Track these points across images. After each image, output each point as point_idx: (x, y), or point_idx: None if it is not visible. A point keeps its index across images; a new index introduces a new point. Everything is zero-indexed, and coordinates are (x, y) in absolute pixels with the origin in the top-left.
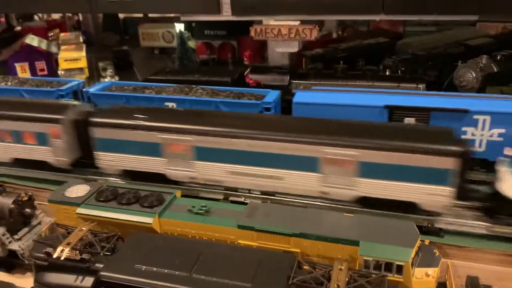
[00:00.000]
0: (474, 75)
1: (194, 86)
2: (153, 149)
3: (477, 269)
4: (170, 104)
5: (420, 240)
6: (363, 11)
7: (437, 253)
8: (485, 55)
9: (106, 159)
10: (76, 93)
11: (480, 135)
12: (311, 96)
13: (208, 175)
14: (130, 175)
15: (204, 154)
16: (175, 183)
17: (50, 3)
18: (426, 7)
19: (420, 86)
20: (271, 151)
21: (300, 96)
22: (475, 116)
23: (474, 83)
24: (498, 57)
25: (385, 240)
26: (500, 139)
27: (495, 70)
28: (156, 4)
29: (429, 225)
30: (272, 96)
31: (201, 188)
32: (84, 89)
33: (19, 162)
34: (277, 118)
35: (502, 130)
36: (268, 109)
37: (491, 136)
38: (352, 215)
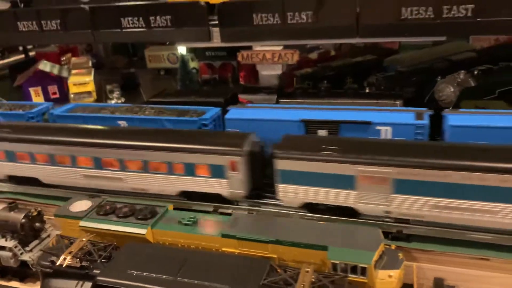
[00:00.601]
0: (452, 90)
1: (144, 105)
2: (343, 182)
3: (444, 271)
4: (122, 123)
5: (386, 245)
6: (339, 35)
7: (401, 257)
8: (463, 71)
9: (288, 192)
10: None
11: None
12: (241, 112)
13: (406, 210)
14: (312, 208)
15: (405, 187)
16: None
17: (58, 36)
18: (397, 30)
19: (397, 102)
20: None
21: (232, 113)
22: (377, 127)
23: (453, 98)
24: (475, 72)
25: (351, 245)
26: None
27: (472, 85)
28: (153, 34)
29: (397, 232)
30: (211, 113)
31: (193, 202)
32: (49, 111)
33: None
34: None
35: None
36: (205, 125)
37: None
38: (324, 223)
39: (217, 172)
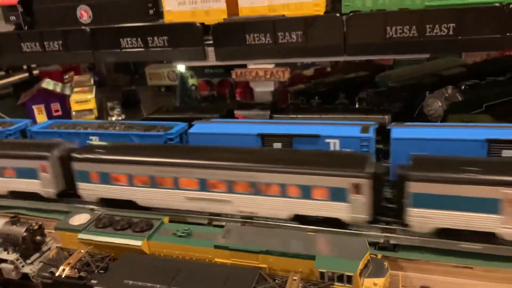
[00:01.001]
0: (440, 104)
1: (114, 121)
2: (486, 205)
3: (429, 280)
4: (94, 138)
5: (372, 254)
6: (328, 53)
7: (386, 265)
8: (450, 85)
9: (420, 216)
10: (24, 132)
11: None
12: (204, 127)
13: None
14: (446, 233)
15: None
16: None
17: (60, 56)
18: (382, 48)
19: (386, 117)
20: None
21: (196, 127)
22: (326, 140)
23: (441, 112)
24: (463, 87)
25: (337, 254)
26: None
27: (459, 99)
28: (151, 54)
29: (384, 242)
30: (177, 128)
31: (187, 214)
32: (28, 128)
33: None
34: None
35: None
36: (171, 139)
37: None
38: (313, 233)
39: (337, 195)
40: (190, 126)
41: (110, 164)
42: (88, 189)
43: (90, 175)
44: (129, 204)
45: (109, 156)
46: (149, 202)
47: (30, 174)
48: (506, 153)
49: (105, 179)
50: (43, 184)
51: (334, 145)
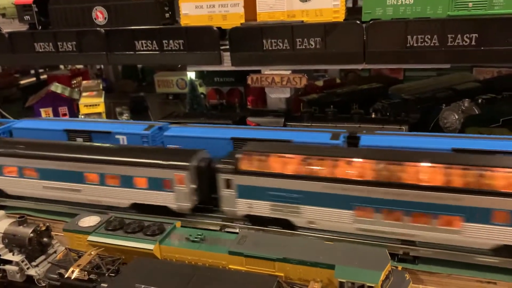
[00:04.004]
0: (456, 117)
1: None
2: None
3: None
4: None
5: (393, 266)
6: (346, 61)
7: (408, 277)
8: (467, 99)
9: None
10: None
11: None
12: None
13: None
14: None
15: None
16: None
17: (73, 57)
18: (402, 57)
19: (403, 127)
20: None
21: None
22: (116, 136)
23: (457, 124)
24: (480, 101)
25: (358, 264)
26: None
27: (476, 112)
28: (166, 57)
29: (404, 253)
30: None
31: (198, 220)
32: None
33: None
34: None
35: None
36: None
37: None
38: (331, 243)
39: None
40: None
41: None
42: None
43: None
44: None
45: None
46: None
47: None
48: None
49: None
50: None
51: (123, 140)
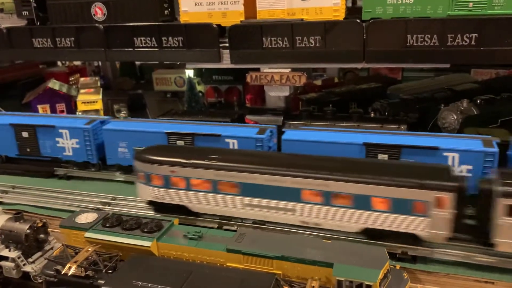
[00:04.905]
0: (455, 117)
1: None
2: None
3: None
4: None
5: (391, 265)
6: (346, 60)
7: (406, 276)
8: (465, 99)
9: None
10: None
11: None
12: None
13: None
14: None
15: None
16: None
17: (71, 53)
18: (402, 56)
19: (402, 127)
20: None
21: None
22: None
23: (455, 125)
24: (478, 101)
25: (356, 262)
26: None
27: (475, 113)
28: (165, 54)
29: (402, 252)
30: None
31: (196, 218)
32: None
33: None
34: None
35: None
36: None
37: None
38: (329, 241)
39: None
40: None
41: None
42: None
43: None
44: None
45: None
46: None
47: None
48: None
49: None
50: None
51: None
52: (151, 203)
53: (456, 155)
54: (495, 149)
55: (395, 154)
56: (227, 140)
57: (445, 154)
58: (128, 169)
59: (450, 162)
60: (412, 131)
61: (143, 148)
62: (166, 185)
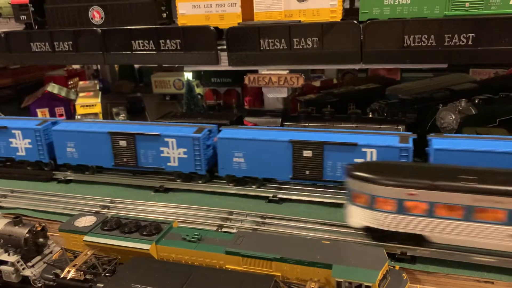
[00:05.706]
0: (453, 117)
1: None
2: None
3: None
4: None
5: (391, 266)
6: (344, 61)
7: (405, 277)
8: (464, 99)
9: None
10: None
11: None
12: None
13: None
14: None
15: None
16: None
17: (69, 57)
18: (399, 57)
19: (400, 127)
20: None
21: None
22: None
23: (454, 125)
24: (476, 101)
25: (355, 263)
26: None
27: (473, 113)
28: (163, 57)
29: (401, 253)
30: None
31: (195, 220)
32: None
33: None
34: None
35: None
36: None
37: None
38: (328, 242)
39: None
40: None
41: None
42: None
43: None
44: None
45: None
46: None
47: None
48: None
49: None
50: None
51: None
52: (368, 229)
53: (374, 151)
54: (410, 145)
55: (318, 150)
56: (166, 139)
57: (363, 150)
58: (76, 168)
59: (368, 158)
60: (410, 131)
61: (361, 163)
62: (399, 211)
